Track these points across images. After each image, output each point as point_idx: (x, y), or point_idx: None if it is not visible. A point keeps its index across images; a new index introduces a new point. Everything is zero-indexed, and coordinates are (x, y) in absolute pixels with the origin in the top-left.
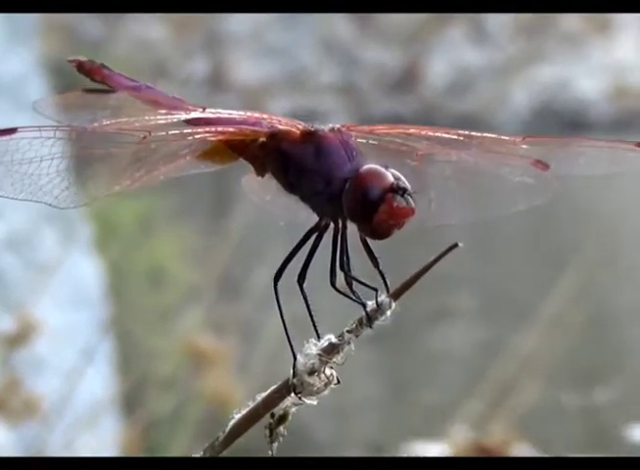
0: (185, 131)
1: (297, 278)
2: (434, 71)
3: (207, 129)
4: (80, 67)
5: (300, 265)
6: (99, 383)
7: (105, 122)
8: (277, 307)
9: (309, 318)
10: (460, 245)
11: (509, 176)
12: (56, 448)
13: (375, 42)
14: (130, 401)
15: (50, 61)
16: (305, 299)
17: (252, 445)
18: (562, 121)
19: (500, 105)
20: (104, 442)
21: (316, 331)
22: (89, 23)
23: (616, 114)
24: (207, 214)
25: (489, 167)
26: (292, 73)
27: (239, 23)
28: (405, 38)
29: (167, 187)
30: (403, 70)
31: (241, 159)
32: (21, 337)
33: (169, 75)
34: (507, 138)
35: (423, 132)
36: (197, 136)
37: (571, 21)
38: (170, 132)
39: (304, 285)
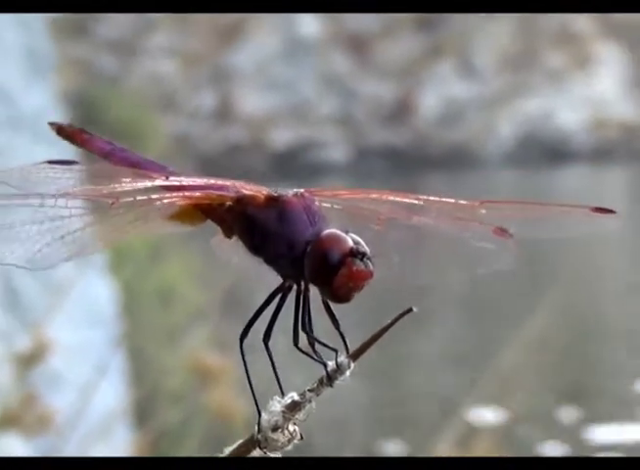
0: (152, 196)
1: (262, 337)
2: (426, 104)
3: (175, 195)
4: (60, 130)
5: (266, 325)
6: (112, 396)
7: (72, 190)
8: (242, 364)
9: (274, 376)
10: (414, 310)
11: (470, 241)
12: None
13: (371, 76)
14: (141, 413)
15: (67, 94)
16: (270, 357)
17: None
18: (545, 151)
19: (487, 135)
20: (116, 451)
21: (280, 388)
22: (104, 59)
23: (595, 144)
24: (211, 239)
25: (451, 232)
26: (294, 106)
27: (244, 57)
28: (399, 73)
29: None
30: (397, 102)
31: (209, 220)
32: (37, 354)
33: (178, 108)
34: (465, 203)
35: (384, 197)
36: (165, 201)
37: (553, 56)
38: (138, 198)
39: (269, 343)
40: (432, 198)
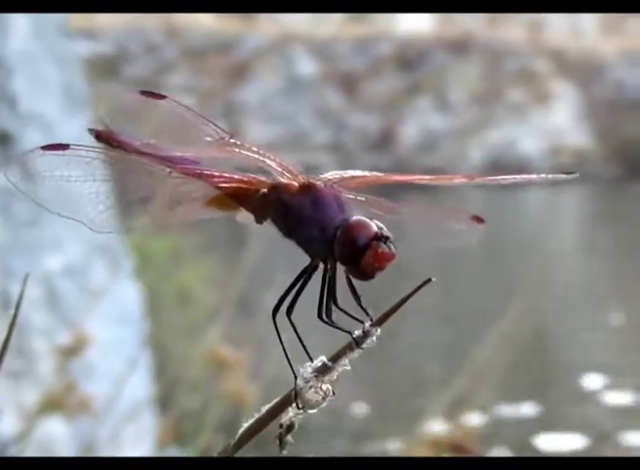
0: (205, 172)
1: (286, 311)
2: (407, 133)
3: (219, 178)
4: (98, 136)
5: (290, 300)
6: (139, 385)
7: (142, 145)
8: (277, 336)
9: (301, 345)
10: (433, 279)
11: (448, 222)
12: (105, 439)
13: (359, 110)
14: (164, 400)
15: (100, 125)
16: (294, 328)
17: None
18: (508, 174)
19: (459, 160)
20: (143, 433)
21: (307, 354)
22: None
23: (552, 168)
24: (226, 248)
25: (437, 219)
26: (293, 135)
27: (250, 94)
28: (383, 107)
29: (193, 226)
30: (381, 132)
31: (241, 208)
32: (76, 348)
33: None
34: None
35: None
36: (213, 179)
37: (515, 93)
38: (189, 172)
39: (292, 316)
40: (441, 178)
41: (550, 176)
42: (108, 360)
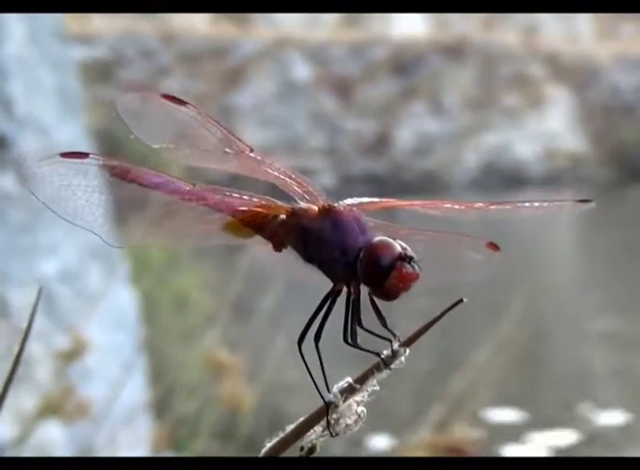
0: (226, 197)
1: (313, 338)
2: (402, 138)
3: (237, 203)
4: (113, 172)
5: (317, 327)
6: (136, 389)
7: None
8: (303, 363)
9: (322, 373)
10: (465, 300)
11: (463, 252)
12: (101, 443)
13: (353, 114)
14: (161, 405)
15: (95, 130)
16: (319, 355)
17: None
18: (503, 178)
19: (454, 164)
20: (139, 438)
21: (325, 382)
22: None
23: (546, 171)
24: (222, 253)
25: (450, 244)
26: (288, 139)
27: (245, 98)
28: (378, 111)
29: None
30: (376, 136)
31: (257, 236)
32: (73, 353)
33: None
34: (479, 204)
35: (425, 205)
36: (232, 204)
37: (510, 97)
38: (209, 193)
39: (319, 343)
40: (458, 203)
41: (568, 204)
42: (104, 365)
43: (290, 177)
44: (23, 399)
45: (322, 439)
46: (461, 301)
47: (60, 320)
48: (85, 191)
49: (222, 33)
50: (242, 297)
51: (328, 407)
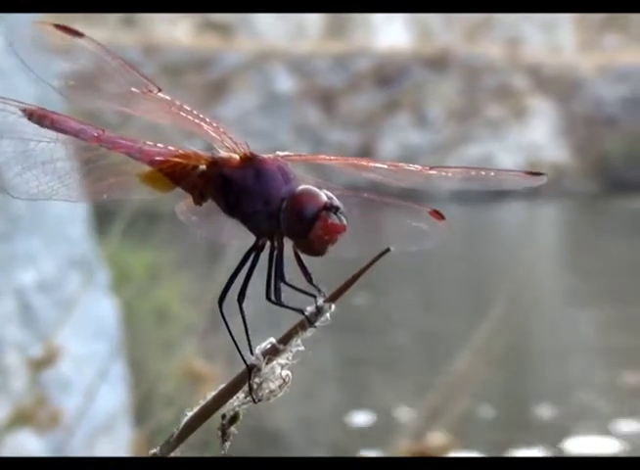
0: (137, 145)
1: (236, 296)
2: (385, 149)
3: (155, 152)
4: (31, 116)
5: (240, 284)
6: (114, 399)
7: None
8: (224, 324)
9: (245, 332)
10: (392, 249)
11: (407, 220)
12: (79, 453)
13: (337, 126)
14: (139, 414)
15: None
16: (243, 315)
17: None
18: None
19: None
20: (118, 446)
21: (249, 342)
22: (109, 111)
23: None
24: (202, 264)
25: (391, 210)
26: (271, 151)
27: (229, 110)
28: (361, 123)
29: (170, 242)
30: (360, 148)
31: (177, 188)
32: (48, 361)
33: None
34: (415, 167)
35: (354, 162)
36: (145, 152)
37: (492, 109)
38: (122, 140)
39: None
40: (387, 163)
41: (518, 176)
42: (83, 375)
43: (205, 122)
44: None
45: (245, 406)
46: (388, 250)
47: (38, 330)
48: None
49: (205, 45)
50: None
51: (250, 371)
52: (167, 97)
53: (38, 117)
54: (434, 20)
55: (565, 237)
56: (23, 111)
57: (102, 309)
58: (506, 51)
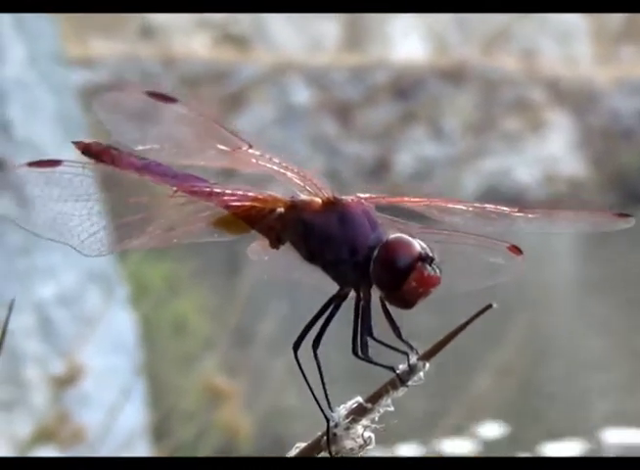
0: (214, 190)
1: (312, 344)
2: (402, 162)
3: (229, 197)
4: (86, 149)
5: (316, 332)
6: (134, 415)
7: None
8: (301, 374)
9: (321, 384)
10: (494, 305)
11: (484, 256)
12: None
13: (354, 138)
14: (159, 430)
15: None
16: (318, 364)
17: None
18: (504, 202)
19: (454, 189)
20: None
21: (326, 396)
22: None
23: (547, 196)
24: (222, 276)
25: (468, 247)
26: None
27: (246, 122)
28: (378, 135)
29: (188, 253)
30: (377, 160)
31: (253, 231)
32: (70, 378)
33: (189, 166)
34: (504, 209)
35: (441, 204)
36: (222, 198)
37: (510, 122)
38: (198, 183)
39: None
40: (473, 204)
41: (605, 218)
42: (102, 390)
43: (291, 170)
44: (19, 424)
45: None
46: (490, 306)
47: (57, 344)
48: (57, 201)
49: (223, 57)
50: (241, 321)
51: (328, 424)
52: (257, 152)
53: (96, 152)
54: (451, 33)
55: (582, 251)
56: (76, 144)
57: (121, 323)
58: (522, 64)
